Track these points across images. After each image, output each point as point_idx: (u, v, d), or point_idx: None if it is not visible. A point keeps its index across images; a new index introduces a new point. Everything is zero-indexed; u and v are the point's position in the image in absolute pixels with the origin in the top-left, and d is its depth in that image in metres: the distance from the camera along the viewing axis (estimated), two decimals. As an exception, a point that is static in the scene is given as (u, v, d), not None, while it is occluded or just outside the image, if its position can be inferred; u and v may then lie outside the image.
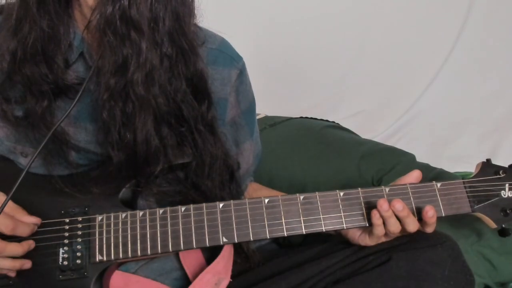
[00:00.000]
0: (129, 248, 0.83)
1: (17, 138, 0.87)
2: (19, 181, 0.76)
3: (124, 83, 0.77)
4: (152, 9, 0.76)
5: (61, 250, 0.83)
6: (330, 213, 0.86)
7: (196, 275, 0.92)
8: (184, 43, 0.81)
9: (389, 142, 2.03)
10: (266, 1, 2.31)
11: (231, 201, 0.86)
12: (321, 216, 0.86)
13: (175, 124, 0.85)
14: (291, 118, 1.64)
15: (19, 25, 0.80)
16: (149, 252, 0.83)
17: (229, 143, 0.97)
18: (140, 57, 0.76)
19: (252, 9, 2.26)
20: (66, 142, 0.85)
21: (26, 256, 0.81)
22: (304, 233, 0.85)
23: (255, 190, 1.09)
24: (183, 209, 0.85)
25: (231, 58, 0.96)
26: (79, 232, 0.84)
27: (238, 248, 0.97)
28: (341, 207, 0.86)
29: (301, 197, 0.86)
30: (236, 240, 0.84)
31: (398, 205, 0.83)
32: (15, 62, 0.80)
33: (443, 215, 0.87)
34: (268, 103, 1.67)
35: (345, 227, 0.87)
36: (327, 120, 1.70)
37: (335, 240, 0.96)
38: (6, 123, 0.86)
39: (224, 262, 0.93)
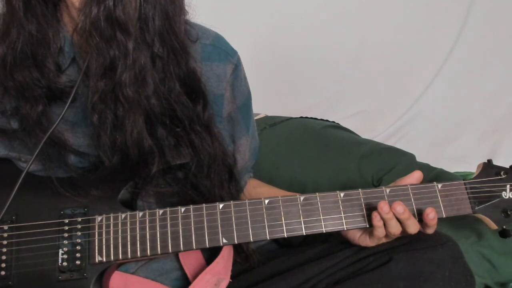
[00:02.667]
0: (129, 249, 0.83)
1: (15, 148, 0.87)
2: (17, 185, 0.76)
3: (112, 85, 0.77)
4: (140, 9, 0.75)
5: (60, 251, 0.83)
6: (331, 214, 0.86)
7: (195, 275, 0.92)
8: (175, 42, 0.80)
9: (389, 142, 2.03)
10: (266, 2, 2.31)
11: (231, 202, 0.86)
12: (321, 217, 0.86)
13: (170, 125, 0.85)
14: (291, 118, 1.64)
15: (7, 30, 0.79)
16: (148, 253, 0.83)
17: (227, 141, 0.97)
18: (127, 58, 0.76)
19: (252, 9, 2.26)
20: (64, 147, 0.85)
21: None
22: (304, 234, 0.85)
23: (254, 187, 1.09)
24: (182, 209, 0.84)
25: (225, 53, 0.95)
26: (79, 233, 0.83)
27: (238, 248, 0.96)
28: (341, 208, 0.86)
29: (301, 198, 0.86)
30: (236, 241, 0.84)
31: (399, 207, 0.83)
32: (5, 68, 0.80)
33: (444, 216, 0.87)
34: (268, 103, 1.68)
35: (345, 228, 0.86)
36: (327, 120, 1.70)
37: (335, 241, 0.96)
38: (2, 134, 0.86)
39: (223, 263, 0.93)
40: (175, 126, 0.85)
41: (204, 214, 0.84)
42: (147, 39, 0.77)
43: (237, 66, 0.97)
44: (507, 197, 0.89)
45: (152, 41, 0.77)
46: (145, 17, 0.76)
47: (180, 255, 0.95)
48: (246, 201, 0.86)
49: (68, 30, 0.84)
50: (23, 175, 0.77)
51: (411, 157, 1.48)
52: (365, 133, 1.81)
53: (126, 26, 0.74)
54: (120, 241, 0.83)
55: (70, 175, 0.87)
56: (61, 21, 0.83)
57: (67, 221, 0.84)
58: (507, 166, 0.92)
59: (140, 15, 0.76)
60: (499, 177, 0.89)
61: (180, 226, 0.84)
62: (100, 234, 0.84)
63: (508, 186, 0.89)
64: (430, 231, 0.87)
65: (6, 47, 0.79)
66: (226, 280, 0.93)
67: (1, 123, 0.85)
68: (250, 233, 0.84)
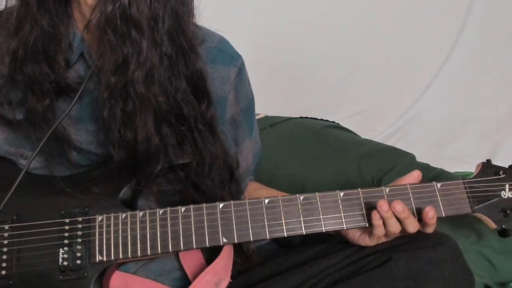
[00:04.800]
0: (129, 249, 0.83)
1: (17, 142, 0.87)
2: (17, 181, 0.76)
3: (124, 82, 0.78)
4: (151, 8, 0.76)
5: (61, 251, 0.83)
6: (330, 214, 0.86)
7: (196, 275, 0.92)
8: (183, 42, 0.81)
9: (389, 142, 2.03)
10: (266, 2, 2.31)
11: (231, 201, 0.86)
12: (321, 217, 0.86)
13: (175, 123, 0.85)
14: (291, 118, 1.64)
15: (20, 25, 0.80)
16: (149, 252, 0.83)
17: (229, 142, 0.97)
18: (141, 56, 0.76)
19: (252, 10, 2.26)
20: (67, 142, 0.86)
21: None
22: (304, 233, 0.85)
23: (255, 190, 1.09)
24: (183, 209, 0.85)
25: (230, 57, 0.96)
26: (79, 233, 0.84)
27: (238, 248, 0.96)
28: (341, 207, 0.86)
29: (301, 198, 0.86)
30: (236, 241, 0.84)
31: (398, 206, 0.83)
32: (16, 62, 0.81)
33: (443, 215, 0.87)
34: (268, 103, 1.67)
35: (345, 228, 0.87)
36: (327, 120, 1.70)
37: (335, 240, 0.96)
38: (6, 126, 0.86)
39: (224, 263, 0.93)
40: (180, 124, 0.86)
41: (204, 213, 0.85)
42: (156, 38, 0.78)
43: (241, 70, 0.98)
44: (506, 196, 0.89)
45: (161, 40, 0.78)
46: (155, 16, 0.77)
47: (180, 255, 0.95)
48: (246, 200, 0.86)
49: (78, 26, 0.85)
50: (25, 168, 0.77)
51: (411, 157, 1.48)
52: (365, 133, 1.82)
53: (140, 24, 0.75)
54: (120, 240, 0.83)
55: (71, 173, 0.87)
56: (71, 17, 0.84)
57: (67, 221, 0.84)
58: (507, 166, 0.92)
59: (151, 14, 0.76)
60: (498, 176, 0.89)
61: (181, 226, 0.84)
62: (100, 233, 0.84)
63: (507, 185, 0.89)
64: (429, 230, 0.87)
65: (18, 41, 0.80)
66: (226, 280, 0.93)
67: (6, 114, 0.86)
68: (250, 232, 0.85)
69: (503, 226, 0.88)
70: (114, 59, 0.77)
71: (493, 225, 0.89)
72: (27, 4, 0.79)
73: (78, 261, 0.83)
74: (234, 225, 0.84)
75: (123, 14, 0.74)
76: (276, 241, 1.15)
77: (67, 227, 0.84)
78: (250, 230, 0.84)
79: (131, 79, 0.77)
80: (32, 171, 0.86)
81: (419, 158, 1.50)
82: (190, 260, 0.95)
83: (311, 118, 1.72)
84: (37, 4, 0.79)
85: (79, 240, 0.83)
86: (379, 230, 0.85)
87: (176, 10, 0.79)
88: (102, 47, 0.77)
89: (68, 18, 0.83)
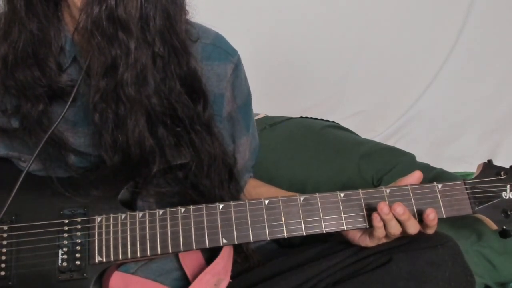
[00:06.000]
0: (129, 249, 0.83)
1: (15, 148, 0.87)
2: (17, 187, 0.76)
3: (114, 85, 0.77)
4: (141, 9, 0.75)
5: (60, 251, 0.83)
6: (331, 214, 0.86)
7: (195, 276, 0.92)
8: (176, 42, 0.80)
9: (389, 142, 2.03)
10: (266, 1, 2.31)
11: (231, 202, 0.85)
12: (322, 218, 0.86)
13: (171, 125, 0.84)
14: (291, 118, 1.64)
15: (9, 29, 0.79)
16: (148, 253, 0.83)
17: (226, 139, 0.97)
18: (129, 57, 0.75)
19: (252, 9, 2.26)
20: (64, 146, 0.85)
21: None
22: (304, 234, 0.85)
23: (254, 187, 1.09)
24: (182, 210, 0.84)
25: (226, 53, 0.95)
26: (79, 233, 0.83)
27: (238, 248, 0.96)
28: (341, 208, 0.86)
29: (301, 198, 0.86)
30: (236, 241, 0.84)
31: (399, 208, 0.83)
32: (7, 67, 0.80)
33: (444, 216, 0.87)
34: (268, 103, 1.68)
35: (345, 229, 0.86)
36: (327, 120, 1.70)
37: (336, 241, 0.96)
38: (2, 134, 0.86)
39: (223, 263, 0.93)
40: (175, 125, 0.85)
41: (204, 214, 0.84)
42: (148, 38, 0.77)
43: (238, 66, 0.97)
44: (507, 197, 0.89)
45: (153, 41, 0.77)
46: (146, 17, 0.76)
47: (180, 255, 0.95)
48: (246, 201, 0.86)
49: (69, 29, 0.84)
50: (23, 174, 0.77)
51: (411, 157, 1.48)
52: (365, 133, 1.81)
53: (128, 25, 0.74)
54: (120, 241, 0.83)
55: (70, 175, 0.87)
56: (62, 20, 0.83)
57: (67, 221, 0.84)
58: (507, 166, 0.92)
59: (141, 14, 0.75)
60: (499, 177, 0.89)
61: (180, 226, 0.84)
62: (100, 234, 0.84)
63: (508, 186, 0.89)
64: (430, 231, 0.87)
65: (7, 46, 0.80)
66: (226, 280, 0.93)
67: (2, 122, 0.85)
68: (250, 233, 0.84)
69: (504, 227, 0.88)
70: (102, 62, 0.76)
71: (494, 226, 0.88)
72: (14, 9, 0.78)
73: (78, 262, 0.83)
74: (234, 226, 0.84)
75: (110, 15, 0.73)
76: (277, 241, 1.15)
77: (66, 228, 0.84)
78: (250, 231, 0.84)
79: (120, 81, 0.76)
80: (31, 171, 0.86)
81: (419, 158, 1.49)
82: (190, 260, 0.95)
83: (311, 118, 1.72)
84: (25, 8, 0.78)
85: (79, 240, 0.83)
86: (379, 232, 0.85)
87: (167, 10, 0.78)
88: (91, 49, 0.77)
89: (59, 21, 0.83)
